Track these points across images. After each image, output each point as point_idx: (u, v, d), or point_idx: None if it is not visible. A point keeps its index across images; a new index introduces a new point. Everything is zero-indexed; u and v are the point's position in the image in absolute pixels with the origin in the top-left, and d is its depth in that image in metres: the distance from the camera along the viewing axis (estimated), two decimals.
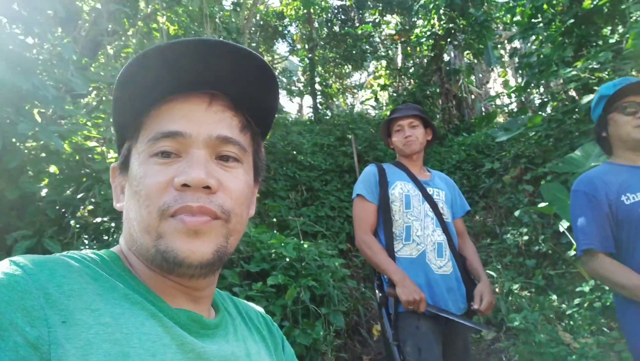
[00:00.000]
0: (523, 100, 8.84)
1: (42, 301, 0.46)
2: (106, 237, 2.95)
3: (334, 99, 15.76)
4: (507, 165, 6.52)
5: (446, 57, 10.92)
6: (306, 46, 13.04)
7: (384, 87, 11.57)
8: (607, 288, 3.48)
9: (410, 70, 11.18)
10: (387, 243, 2.09)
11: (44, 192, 2.87)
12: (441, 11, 9.26)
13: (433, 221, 2.12)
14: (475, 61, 12.28)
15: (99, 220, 2.95)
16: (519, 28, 6.91)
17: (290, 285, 3.17)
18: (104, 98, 3.77)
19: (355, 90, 17.54)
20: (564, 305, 3.83)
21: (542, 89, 7.80)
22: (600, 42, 5.45)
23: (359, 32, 12.34)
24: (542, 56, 6.08)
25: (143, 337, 0.51)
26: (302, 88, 15.92)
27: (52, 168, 3.00)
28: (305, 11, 12.54)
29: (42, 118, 2.93)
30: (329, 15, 13.73)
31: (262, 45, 13.51)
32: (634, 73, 4.50)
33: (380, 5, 12.61)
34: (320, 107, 12.85)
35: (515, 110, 8.55)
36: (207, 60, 0.59)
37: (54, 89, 2.67)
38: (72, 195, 2.96)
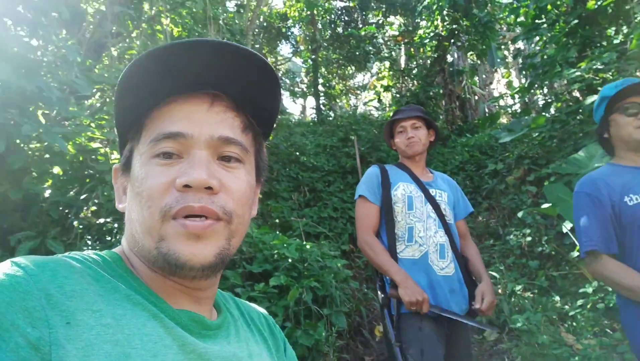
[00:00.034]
0: (527, 101, 8.82)
1: (44, 302, 0.46)
2: (109, 238, 2.96)
3: (337, 100, 15.76)
4: (510, 166, 6.50)
5: (449, 58, 10.91)
6: (309, 47, 13.05)
7: (387, 88, 11.55)
8: (610, 289, 3.46)
9: (414, 71, 11.16)
10: (389, 244, 2.09)
11: (47, 193, 2.88)
12: (444, 12, 9.25)
13: (435, 222, 2.12)
14: (479, 62, 12.26)
15: (102, 221, 2.96)
16: (522, 29, 6.89)
17: (292, 285, 3.17)
18: (107, 99, 3.79)
19: (358, 92, 17.55)
20: (566, 306, 3.82)
21: (545, 90, 7.79)
22: (604, 43, 5.44)
23: (362, 33, 12.33)
24: (545, 57, 6.06)
25: (144, 338, 0.51)
26: (305, 89, 15.95)
27: (56, 170, 3.01)
28: (308, 13, 12.55)
29: (46, 120, 2.94)
30: (333, 16, 13.73)
31: (265, 46, 13.53)
32: (638, 74, 4.48)
33: (384, 6, 12.59)
34: (323, 108, 12.87)
35: (519, 111, 8.53)
36: (208, 61, 0.59)
37: (58, 91, 2.68)
38: (75, 196, 2.97)
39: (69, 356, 0.44)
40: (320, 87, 13.00)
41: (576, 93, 5.81)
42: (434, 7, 9.30)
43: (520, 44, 9.89)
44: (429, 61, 10.96)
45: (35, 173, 2.83)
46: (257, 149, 0.69)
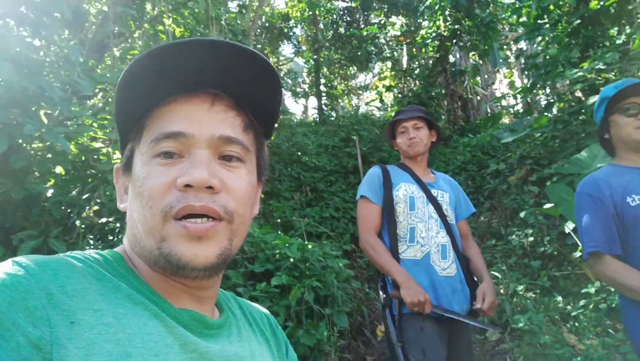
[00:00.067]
0: (529, 101, 8.80)
1: (45, 302, 0.46)
2: (111, 237, 2.97)
3: (339, 100, 15.76)
4: (512, 166, 6.49)
5: (452, 58, 10.89)
6: (311, 48, 13.05)
7: (389, 88, 11.56)
8: (612, 289, 3.45)
9: (416, 72, 11.17)
10: (391, 244, 2.09)
11: (49, 193, 2.89)
12: (447, 12, 9.24)
13: (437, 223, 2.11)
14: (481, 62, 12.26)
15: (104, 220, 2.97)
16: (525, 29, 6.87)
17: (294, 285, 3.17)
18: (109, 99, 3.79)
19: (360, 92, 17.55)
20: (569, 307, 3.81)
21: (548, 90, 7.78)
22: (607, 43, 5.42)
23: (364, 33, 12.33)
24: (548, 57, 6.05)
25: (146, 337, 0.51)
26: (307, 89, 15.94)
27: (58, 169, 3.02)
28: (310, 13, 12.57)
29: (48, 120, 2.95)
30: (335, 16, 13.73)
31: (267, 46, 13.54)
32: None
33: (386, 6, 12.59)
34: (325, 108, 12.87)
35: (521, 111, 8.51)
36: (209, 60, 0.59)
37: (60, 91, 2.69)
38: (77, 196, 2.98)
39: (70, 356, 0.44)
40: (322, 87, 13.01)
41: (578, 94, 5.79)
42: (436, 7, 9.29)
43: (522, 44, 9.88)
44: (431, 61, 10.96)
45: (38, 172, 2.84)
46: (259, 148, 0.69)
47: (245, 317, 0.75)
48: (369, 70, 15.58)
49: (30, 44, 2.68)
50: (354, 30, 12.66)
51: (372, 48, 12.86)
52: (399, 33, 12.03)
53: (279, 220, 5.59)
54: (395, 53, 12.75)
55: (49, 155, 2.89)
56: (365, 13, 13.65)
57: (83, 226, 2.89)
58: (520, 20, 6.95)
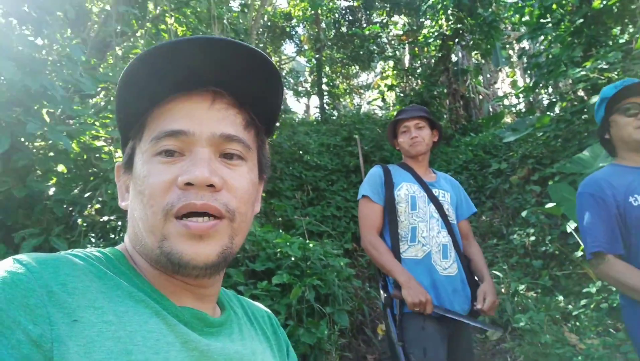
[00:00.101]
0: (531, 100, 8.79)
1: (45, 299, 0.46)
2: (113, 236, 2.97)
3: (341, 99, 15.75)
4: (514, 165, 6.48)
5: (454, 58, 10.86)
6: (313, 47, 13.04)
7: (391, 88, 11.54)
8: (613, 289, 3.45)
9: (418, 71, 11.14)
10: (392, 244, 2.09)
11: (51, 191, 2.89)
12: (449, 11, 9.22)
13: (438, 222, 2.11)
14: (483, 61, 12.22)
15: (105, 218, 2.98)
16: (527, 28, 6.85)
17: (295, 284, 3.17)
18: (112, 98, 3.80)
19: (362, 91, 17.53)
20: (570, 306, 3.81)
21: (550, 89, 7.75)
22: (609, 42, 5.40)
23: (367, 32, 12.31)
24: (550, 56, 6.04)
25: (147, 335, 0.51)
26: (309, 88, 15.94)
27: (60, 168, 3.03)
28: (312, 12, 12.54)
29: (50, 118, 2.96)
30: (337, 16, 13.71)
31: (269, 46, 13.53)
32: None
33: (388, 5, 12.57)
34: (327, 107, 12.86)
35: (523, 110, 8.50)
36: (209, 58, 0.59)
37: (62, 89, 2.69)
38: (79, 194, 2.99)
39: (70, 353, 0.44)
40: (324, 86, 12.99)
41: (581, 93, 5.77)
42: (439, 6, 9.27)
43: (525, 43, 9.85)
44: (433, 60, 10.93)
45: (40, 171, 2.85)
46: (260, 146, 0.69)
47: (246, 315, 0.75)
48: (371, 70, 15.58)
49: (33, 42, 2.69)
50: (356, 29, 12.64)
51: (374, 47, 12.84)
52: (401, 32, 12.00)
53: (280, 219, 5.60)
54: (397, 52, 12.73)
55: (51, 154, 2.89)
56: (368, 12, 13.63)
57: (85, 224, 2.90)
58: (523, 19, 6.92)
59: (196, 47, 0.58)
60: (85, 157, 3.15)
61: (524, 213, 5.05)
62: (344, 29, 13.58)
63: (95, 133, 3.23)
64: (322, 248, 3.90)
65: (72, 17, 3.14)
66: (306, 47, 14.38)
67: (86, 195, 2.98)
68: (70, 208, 2.95)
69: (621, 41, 5.09)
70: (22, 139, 2.63)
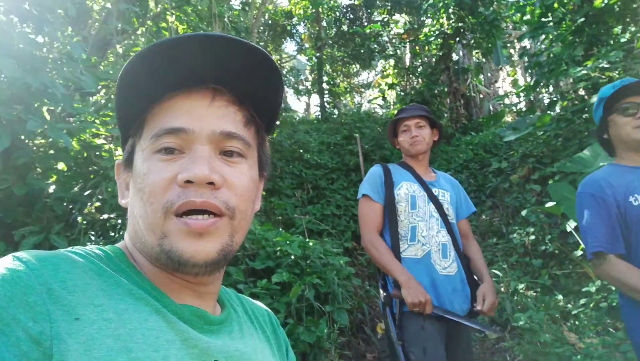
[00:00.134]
0: (532, 99, 8.78)
1: (45, 297, 0.46)
2: (113, 234, 2.97)
3: (342, 98, 15.75)
4: (514, 164, 6.48)
5: (455, 56, 10.85)
6: (314, 45, 13.03)
7: (391, 86, 11.52)
8: (613, 288, 3.45)
9: (419, 69, 11.13)
10: (392, 243, 2.09)
11: (51, 189, 2.90)
12: (450, 10, 9.21)
13: (438, 222, 2.11)
14: (484, 60, 12.21)
15: (105, 216, 2.98)
16: (528, 27, 6.84)
17: (294, 282, 3.17)
18: (112, 96, 3.80)
19: (362, 89, 17.54)
20: (569, 305, 3.81)
21: (551, 88, 7.74)
22: (611, 41, 5.40)
23: (367, 31, 12.29)
24: (551, 55, 6.02)
25: (147, 332, 0.51)
26: (309, 87, 15.94)
27: (60, 165, 3.03)
28: (313, 10, 12.53)
29: (51, 116, 2.96)
30: (338, 14, 13.71)
31: (270, 44, 13.52)
32: None
33: (389, 4, 12.57)
34: (327, 105, 12.86)
35: (524, 109, 8.49)
36: (209, 55, 0.59)
37: (63, 87, 2.69)
38: (79, 192, 2.99)
39: (70, 351, 0.44)
40: (324, 85, 12.99)
41: (582, 92, 5.76)
42: (440, 4, 9.27)
43: (526, 42, 9.83)
44: (434, 59, 10.93)
45: (40, 169, 2.85)
46: (260, 143, 0.69)
47: (247, 314, 0.75)
48: (372, 68, 15.58)
49: (34, 40, 2.69)
50: (357, 27, 12.64)
51: (375, 46, 12.84)
52: (402, 31, 11.99)
53: (280, 218, 5.60)
54: (398, 51, 12.70)
55: (51, 152, 2.90)
56: (369, 11, 13.63)
57: (84, 222, 2.90)
58: (524, 18, 6.91)
59: (195, 44, 0.58)
60: (85, 154, 3.16)
61: (523, 212, 5.06)
62: (344, 28, 13.58)
63: (95, 131, 3.23)
64: (322, 247, 3.90)
65: (72, 15, 3.13)
66: (307, 45, 14.37)
67: (86, 193, 2.98)
68: (70, 206, 2.95)
69: (622, 40, 5.09)
70: (23, 137, 2.63)
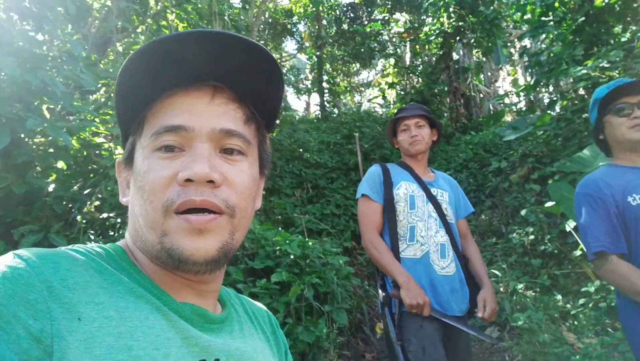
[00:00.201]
0: (532, 99, 8.78)
1: (45, 295, 0.46)
2: (112, 233, 2.97)
3: (342, 97, 15.74)
4: (514, 164, 6.47)
5: (455, 56, 10.86)
6: (314, 44, 13.02)
7: (391, 85, 11.51)
8: (612, 288, 3.45)
9: (419, 69, 11.12)
10: (391, 243, 2.09)
11: (51, 187, 2.89)
12: (451, 9, 9.20)
13: (436, 222, 2.12)
14: (484, 59, 12.21)
15: (105, 215, 2.98)
16: (529, 26, 6.84)
17: (294, 282, 3.17)
18: (112, 94, 3.80)
19: (362, 88, 17.52)
20: (568, 305, 3.81)
21: (551, 88, 7.74)
22: (611, 41, 5.39)
23: (368, 30, 12.28)
24: (552, 54, 6.02)
25: (147, 330, 0.51)
26: (309, 86, 15.92)
27: (60, 164, 3.03)
28: (314, 9, 12.52)
29: (50, 114, 2.95)
30: (338, 13, 13.70)
31: (270, 42, 13.51)
32: None
33: (389, 3, 12.56)
34: (327, 105, 12.85)
35: (524, 109, 8.49)
36: (209, 53, 0.59)
37: (63, 85, 2.69)
38: (79, 191, 2.99)
39: (70, 348, 0.44)
40: (324, 84, 12.97)
41: (582, 92, 5.76)
42: (440, 3, 9.26)
43: (526, 42, 9.82)
44: (434, 58, 10.93)
45: (39, 167, 2.85)
46: (260, 141, 0.68)
47: (247, 314, 0.75)
48: (372, 67, 15.58)
49: (34, 38, 2.68)
50: (357, 26, 12.63)
51: (375, 45, 12.83)
52: (402, 30, 11.98)
53: (279, 217, 5.59)
54: (398, 50, 12.70)
55: (51, 150, 2.89)
56: (369, 9, 13.62)
57: (84, 221, 2.90)
58: (525, 17, 6.91)
59: (194, 41, 0.58)
60: (85, 153, 3.16)
61: (523, 212, 5.06)
62: (345, 26, 13.56)
63: (95, 130, 3.23)
64: (322, 246, 3.90)
65: (72, 13, 3.13)
66: (307, 44, 14.36)
67: (86, 192, 2.98)
68: (70, 205, 2.95)
69: (623, 40, 5.09)
70: (22, 135, 2.63)
